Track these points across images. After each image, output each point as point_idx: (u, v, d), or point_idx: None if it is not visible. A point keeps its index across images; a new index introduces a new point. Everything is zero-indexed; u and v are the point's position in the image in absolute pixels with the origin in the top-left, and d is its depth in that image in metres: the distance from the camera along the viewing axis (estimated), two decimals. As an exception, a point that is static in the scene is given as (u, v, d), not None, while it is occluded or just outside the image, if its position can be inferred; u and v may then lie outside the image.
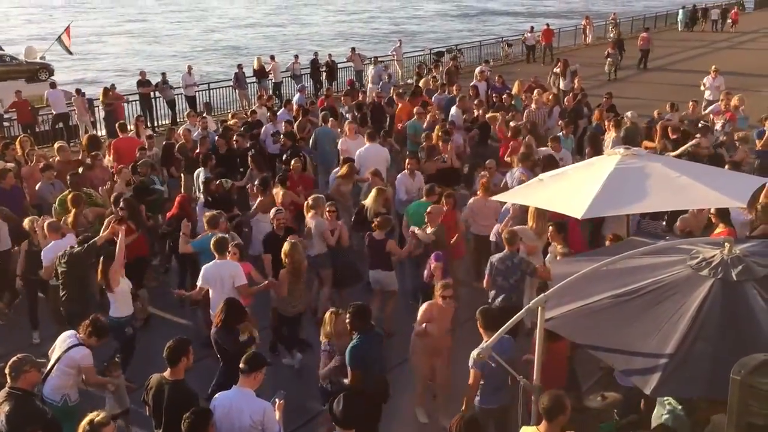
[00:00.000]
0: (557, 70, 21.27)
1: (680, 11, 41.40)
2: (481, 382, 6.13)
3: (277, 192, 10.38)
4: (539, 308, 4.87)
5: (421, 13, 69.37)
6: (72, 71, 36.60)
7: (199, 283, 8.01)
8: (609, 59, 26.70)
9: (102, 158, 12.32)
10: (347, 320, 6.35)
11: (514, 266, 7.67)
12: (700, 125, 12.81)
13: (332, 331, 6.62)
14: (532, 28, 33.10)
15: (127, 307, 7.85)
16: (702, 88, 18.33)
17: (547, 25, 32.54)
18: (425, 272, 8.05)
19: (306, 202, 9.50)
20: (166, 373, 5.76)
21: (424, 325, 6.95)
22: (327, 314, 6.79)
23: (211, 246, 7.91)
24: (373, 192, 9.75)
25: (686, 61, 30.29)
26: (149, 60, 41.05)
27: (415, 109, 14.45)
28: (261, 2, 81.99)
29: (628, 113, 13.78)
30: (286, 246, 8.05)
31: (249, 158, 11.84)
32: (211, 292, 7.90)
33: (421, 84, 18.65)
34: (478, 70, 20.69)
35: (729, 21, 40.42)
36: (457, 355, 6.99)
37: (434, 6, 75.61)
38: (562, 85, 20.43)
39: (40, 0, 75.92)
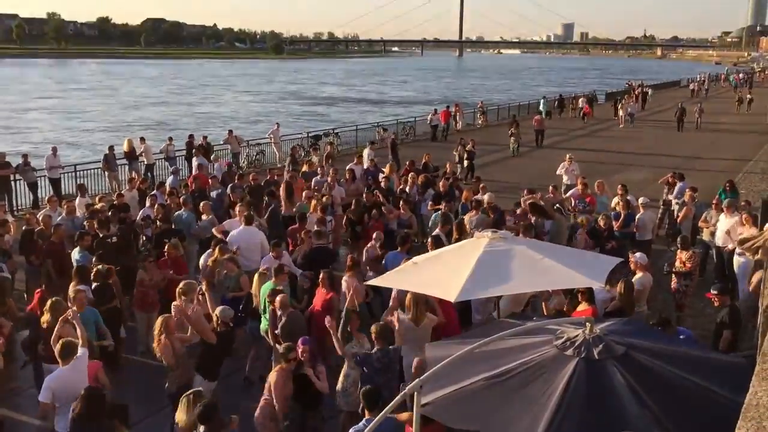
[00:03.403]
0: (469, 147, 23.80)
1: (541, 101, 44.64)
2: None
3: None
4: (415, 394, 4.85)
5: (326, 95, 72.28)
6: (6, 143, 35.13)
7: (42, 397, 6.98)
8: (512, 138, 29.08)
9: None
10: (196, 413, 6.02)
11: (390, 362, 7.51)
12: (555, 207, 13.67)
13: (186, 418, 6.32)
14: (436, 110, 35.95)
15: None
16: (560, 171, 19.62)
17: (447, 107, 36.39)
18: None
19: (178, 289, 9.20)
20: None
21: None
22: (183, 398, 6.50)
23: (57, 354, 7.16)
24: (256, 277, 9.96)
25: (565, 142, 32.94)
26: (79, 133, 42.17)
27: (304, 193, 14.82)
28: (162, 83, 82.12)
29: (485, 196, 14.55)
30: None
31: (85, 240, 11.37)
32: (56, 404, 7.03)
33: (305, 168, 18.78)
34: (365, 152, 21.33)
35: (582, 114, 43.89)
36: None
37: (334, 89, 79.10)
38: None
39: None
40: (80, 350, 7.31)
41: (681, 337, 7.76)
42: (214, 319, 8.34)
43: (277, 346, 8.84)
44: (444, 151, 24.40)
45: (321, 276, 9.52)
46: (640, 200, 13.99)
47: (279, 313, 8.77)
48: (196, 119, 49.94)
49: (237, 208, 12.99)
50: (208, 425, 5.88)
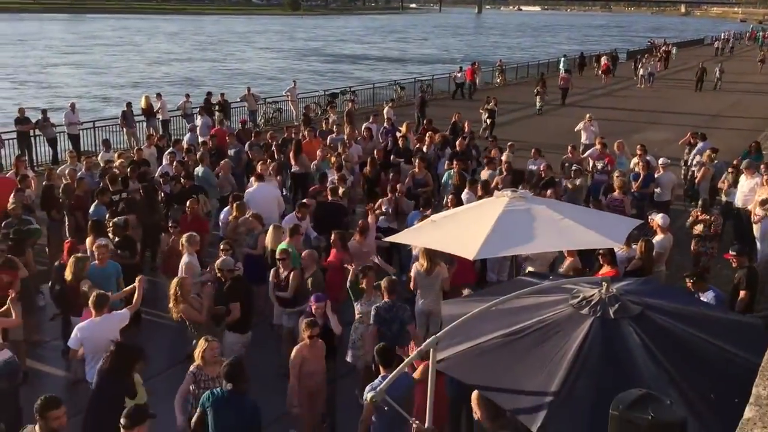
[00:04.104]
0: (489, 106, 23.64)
1: (561, 59, 43.92)
2: (374, 418, 6.11)
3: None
4: (431, 350, 4.91)
5: (347, 52, 71.84)
6: (37, 100, 35.21)
7: (71, 343, 7.31)
8: (538, 96, 29.10)
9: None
10: (223, 372, 6.12)
11: (394, 315, 7.67)
12: (574, 168, 13.51)
13: (201, 357, 6.56)
14: (461, 67, 35.69)
15: None
16: (579, 127, 19.41)
17: (471, 64, 35.96)
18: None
19: (182, 240, 9.46)
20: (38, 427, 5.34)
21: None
22: (201, 340, 6.74)
23: (90, 304, 7.35)
24: (271, 229, 9.93)
25: (586, 101, 32.50)
26: (109, 89, 41.95)
27: (318, 152, 14.75)
28: (184, 39, 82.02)
29: (503, 155, 14.56)
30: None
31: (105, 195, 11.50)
32: (84, 352, 7.26)
33: (323, 126, 18.79)
34: (385, 110, 21.26)
35: (600, 72, 43.31)
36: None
37: (355, 47, 78.93)
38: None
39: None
40: (124, 311, 7.56)
41: (710, 294, 7.86)
42: (217, 273, 8.46)
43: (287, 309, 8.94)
44: (467, 110, 24.06)
45: (332, 237, 9.56)
46: (660, 161, 13.83)
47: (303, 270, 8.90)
48: (223, 75, 49.82)
49: (259, 167, 13.05)
50: (234, 382, 5.98)
